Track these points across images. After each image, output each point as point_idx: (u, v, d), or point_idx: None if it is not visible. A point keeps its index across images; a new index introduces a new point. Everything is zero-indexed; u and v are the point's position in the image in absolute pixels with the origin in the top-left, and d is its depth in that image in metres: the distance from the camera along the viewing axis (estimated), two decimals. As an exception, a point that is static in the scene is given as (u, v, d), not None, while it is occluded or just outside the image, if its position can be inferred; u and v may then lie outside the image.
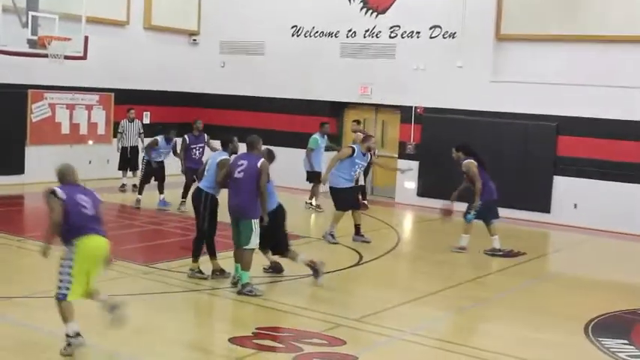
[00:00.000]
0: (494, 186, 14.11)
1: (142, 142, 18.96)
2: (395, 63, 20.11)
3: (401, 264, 13.86)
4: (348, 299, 10.96)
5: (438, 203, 18.01)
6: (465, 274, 12.68)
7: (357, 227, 14.57)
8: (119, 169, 19.21)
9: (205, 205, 10.94)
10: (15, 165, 19.00)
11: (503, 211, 14.82)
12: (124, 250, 12.06)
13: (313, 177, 17.84)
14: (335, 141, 20.03)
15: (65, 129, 20.29)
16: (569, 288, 12.24)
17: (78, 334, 7.87)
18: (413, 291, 11.33)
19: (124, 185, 19.07)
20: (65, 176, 8.25)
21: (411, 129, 19.90)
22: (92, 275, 8.18)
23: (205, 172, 11.10)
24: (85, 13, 17.50)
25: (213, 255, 11.25)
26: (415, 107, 19.81)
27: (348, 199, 14.47)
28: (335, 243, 14.15)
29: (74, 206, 7.95)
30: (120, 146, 19.12)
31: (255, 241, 10.50)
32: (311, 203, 18.12)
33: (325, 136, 18.24)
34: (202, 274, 11.16)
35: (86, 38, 17.63)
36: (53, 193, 7.98)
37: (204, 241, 11.16)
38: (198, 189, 11.13)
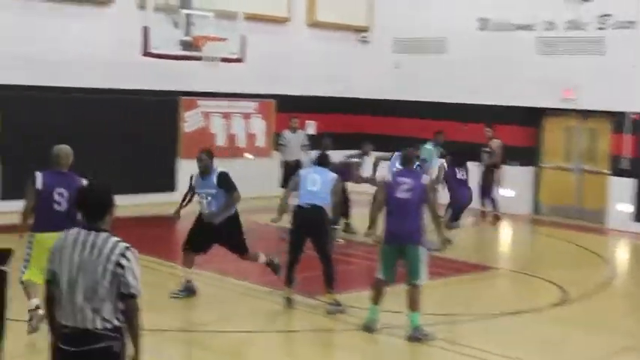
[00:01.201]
0: None
1: (307, 154, 19.16)
2: (605, 60, 19.50)
3: (616, 304, 13.33)
4: (549, 344, 10.62)
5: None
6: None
7: None
8: (281, 186, 19.38)
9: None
10: (165, 181, 19.62)
11: None
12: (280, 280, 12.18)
13: None
14: (533, 155, 19.71)
15: (220, 140, 20.79)
16: None
17: (37, 307, 8.73)
18: (630, 336, 10.95)
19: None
20: (55, 161, 9.30)
21: (625, 140, 19.24)
22: None
23: (313, 188, 11.19)
24: (242, 9, 17.91)
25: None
26: (631, 114, 19.12)
27: None
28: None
29: (47, 199, 9.08)
30: (282, 160, 19.31)
31: (425, 273, 10.30)
32: None
33: (439, 147, 18.20)
34: (339, 305, 11.20)
35: (243, 38, 18.05)
36: (32, 179, 9.18)
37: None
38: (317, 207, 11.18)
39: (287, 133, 19.43)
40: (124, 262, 5.64)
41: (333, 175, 11.46)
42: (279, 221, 11.93)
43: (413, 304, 10.13)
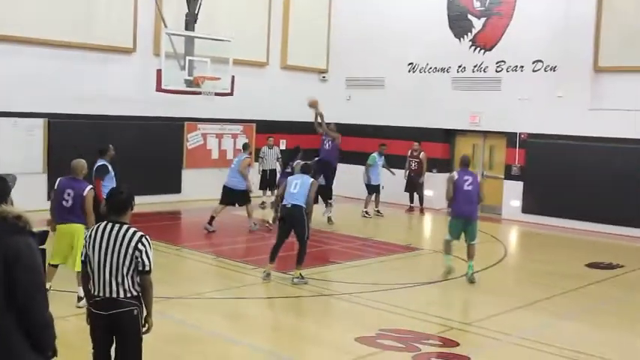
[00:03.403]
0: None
1: (280, 165, 19.26)
2: (501, 94, 19.70)
3: (508, 274, 13.44)
4: (460, 305, 10.72)
5: (541, 219, 17.71)
6: (568, 284, 12.15)
7: None
8: (260, 188, 19.52)
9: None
10: (173, 185, 19.59)
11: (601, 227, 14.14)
12: (263, 259, 12.20)
13: (370, 189, 18.76)
14: (448, 164, 19.90)
15: (214, 154, 20.73)
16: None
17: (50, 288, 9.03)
18: (520, 298, 11.00)
19: (263, 203, 19.36)
20: (72, 170, 9.41)
21: (516, 153, 19.42)
22: (69, 253, 9.31)
23: (297, 190, 11.19)
24: (232, 56, 17.98)
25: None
26: (519, 133, 19.31)
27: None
28: None
29: (58, 198, 9.30)
30: (261, 169, 19.44)
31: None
32: (366, 212, 18.61)
33: (382, 156, 18.89)
34: (303, 278, 11.27)
35: (233, 78, 18.09)
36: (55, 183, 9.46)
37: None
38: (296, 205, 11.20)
39: (265, 149, 19.57)
40: (140, 246, 5.67)
41: (311, 180, 11.43)
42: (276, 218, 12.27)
43: (471, 256, 11.83)
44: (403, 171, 19.58)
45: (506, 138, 19.75)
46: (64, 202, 9.19)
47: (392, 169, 19.15)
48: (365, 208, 18.71)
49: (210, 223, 15.19)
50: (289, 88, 22.28)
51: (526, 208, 19.04)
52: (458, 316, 9.82)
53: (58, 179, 9.45)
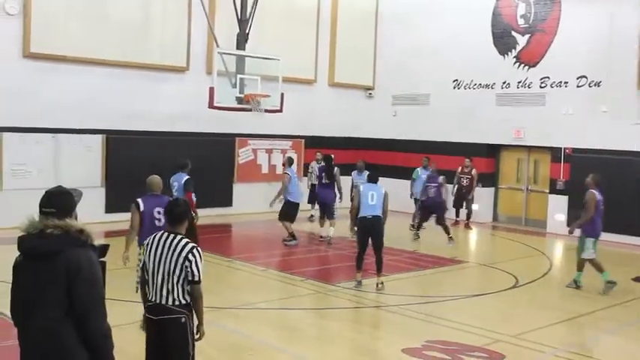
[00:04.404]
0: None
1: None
2: (545, 109, 19.44)
3: (553, 288, 13.17)
4: (506, 318, 10.56)
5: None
6: (613, 298, 11.85)
7: None
8: (308, 202, 19.48)
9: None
10: (224, 199, 19.74)
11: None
12: (311, 271, 12.20)
13: (417, 202, 18.07)
14: (492, 178, 19.67)
15: (264, 169, 20.87)
16: None
17: None
18: (565, 312, 10.81)
19: (312, 216, 19.34)
20: (151, 187, 8.76)
21: (560, 167, 19.11)
22: None
23: (374, 202, 11.30)
24: (281, 74, 18.04)
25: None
26: (564, 148, 19.01)
27: None
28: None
29: (149, 218, 8.48)
30: (309, 184, 19.41)
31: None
32: (413, 225, 17.97)
33: (427, 169, 18.10)
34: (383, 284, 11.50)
35: (282, 95, 18.12)
36: (135, 203, 8.58)
37: None
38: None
39: (313, 164, 19.48)
40: (190, 257, 5.72)
41: (384, 190, 11.59)
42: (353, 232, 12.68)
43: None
44: (451, 186, 19.15)
45: (551, 152, 19.47)
46: (156, 222, 8.51)
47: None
48: (412, 221, 18.51)
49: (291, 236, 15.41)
50: (336, 105, 22.38)
51: (571, 223, 18.64)
52: (503, 328, 9.65)
53: (139, 200, 8.65)
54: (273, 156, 20.97)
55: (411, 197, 18.73)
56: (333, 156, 16.81)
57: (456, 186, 19.29)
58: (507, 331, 9.55)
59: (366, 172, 16.61)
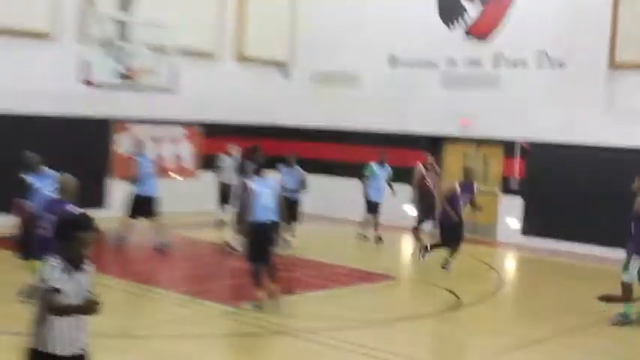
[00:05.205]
0: None
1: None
2: (498, 94, 19.72)
3: (504, 309, 13.38)
4: (442, 346, 10.58)
5: (545, 243, 17.61)
6: (575, 321, 12.08)
7: None
8: (220, 203, 18.82)
9: None
10: (95, 198, 18.96)
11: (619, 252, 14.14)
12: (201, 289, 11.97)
13: (370, 207, 18.16)
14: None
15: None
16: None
17: None
18: (518, 338, 10.95)
19: (221, 221, 18.79)
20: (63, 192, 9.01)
21: (515, 164, 19.44)
22: None
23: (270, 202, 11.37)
24: (175, 44, 17.64)
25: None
26: (519, 141, 19.31)
27: None
28: None
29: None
30: (219, 181, 18.87)
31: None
32: (364, 235, 18.26)
33: (385, 166, 18.27)
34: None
35: (175, 70, 17.74)
36: None
37: None
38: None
39: (224, 157, 19.03)
40: None
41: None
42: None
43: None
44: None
45: (504, 146, 19.75)
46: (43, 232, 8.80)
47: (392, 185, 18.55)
48: (362, 229, 18.34)
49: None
50: (245, 85, 22.17)
51: (527, 230, 19.02)
52: (438, 359, 9.67)
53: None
54: (162, 146, 20.60)
55: (365, 200, 18.33)
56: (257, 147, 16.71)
57: (418, 190, 17.96)
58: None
59: (298, 168, 16.85)
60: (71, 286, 5.51)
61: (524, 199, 19.16)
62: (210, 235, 17.49)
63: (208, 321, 11.08)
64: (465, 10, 20.51)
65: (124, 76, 17.18)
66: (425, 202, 17.25)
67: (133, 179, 15.77)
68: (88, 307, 5.42)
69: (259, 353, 10.06)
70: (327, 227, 20.02)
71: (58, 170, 11.95)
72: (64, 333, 5.54)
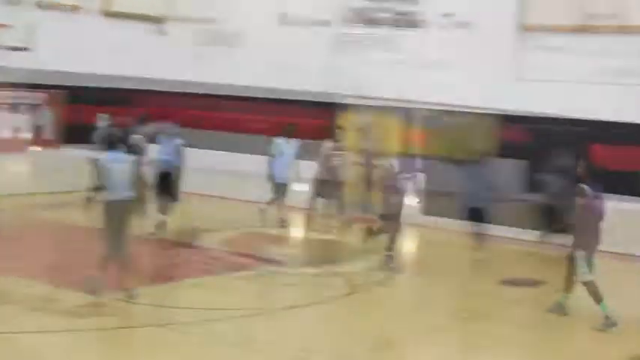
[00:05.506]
0: None
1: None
2: (396, 57, 19.70)
3: (396, 295, 13.43)
4: (326, 338, 10.58)
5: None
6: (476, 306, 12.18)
7: None
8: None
9: None
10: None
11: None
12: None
13: (275, 188, 17.73)
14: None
15: (6, 133, 20.28)
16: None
17: None
18: (414, 326, 11.04)
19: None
20: None
21: (415, 134, 19.50)
22: None
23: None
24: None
25: None
26: (421, 108, 19.35)
27: None
28: None
29: None
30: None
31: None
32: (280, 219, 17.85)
33: (291, 141, 17.80)
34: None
35: (31, 25, 17.58)
36: None
37: None
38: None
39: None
40: None
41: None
42: None
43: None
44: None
45: (405, 114, 19.70)
46: None
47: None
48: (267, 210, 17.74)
49: None
50: (114, 42, 21.54)
51: (428, 208, 18.98)
52: (321, 353, 9.59)
53: None
54: (18, 114, 20.41)
55: (268, 180, 17.74)
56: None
57: (323, 168, 17.87)
58: (328, 356, 9.57)
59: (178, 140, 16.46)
60: None
61: (425, 175, 19.01)
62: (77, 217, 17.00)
63: (72, 313, 10.67)
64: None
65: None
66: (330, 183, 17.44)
67: None
68: None
69: (129, 347, 9.90)
70: (217, 206, 19.77)
71: None
72: None
